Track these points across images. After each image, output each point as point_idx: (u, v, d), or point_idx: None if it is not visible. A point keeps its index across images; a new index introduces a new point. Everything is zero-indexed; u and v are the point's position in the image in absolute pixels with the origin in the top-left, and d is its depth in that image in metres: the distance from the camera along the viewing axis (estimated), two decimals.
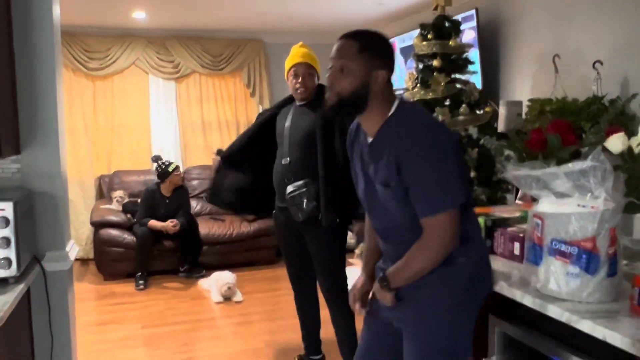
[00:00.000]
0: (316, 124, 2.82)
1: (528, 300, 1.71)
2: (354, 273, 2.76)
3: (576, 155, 1.70)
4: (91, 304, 4.52)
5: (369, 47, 1.65)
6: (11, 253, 1.93)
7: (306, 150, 2.83)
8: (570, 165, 1.57)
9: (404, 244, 1.70)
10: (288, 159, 2.89)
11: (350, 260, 5.35)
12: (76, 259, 2.46)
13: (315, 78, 2.94)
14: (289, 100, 3.05)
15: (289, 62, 2.95)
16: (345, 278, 2.98)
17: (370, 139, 1.72)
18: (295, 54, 2.95)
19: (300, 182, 2.79)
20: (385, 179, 1.65)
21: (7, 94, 2.11)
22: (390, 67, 1.69)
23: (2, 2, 2.07)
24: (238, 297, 4.52)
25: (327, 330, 3.07)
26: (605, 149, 1.68)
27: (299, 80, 2.89)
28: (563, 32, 3.23)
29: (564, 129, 1.84)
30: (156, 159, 5.22)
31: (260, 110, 6.25)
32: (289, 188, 2.81)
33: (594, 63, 2.73)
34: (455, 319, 1.72)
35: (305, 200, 2.75)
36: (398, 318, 1.80)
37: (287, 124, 2.96)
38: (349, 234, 3.05)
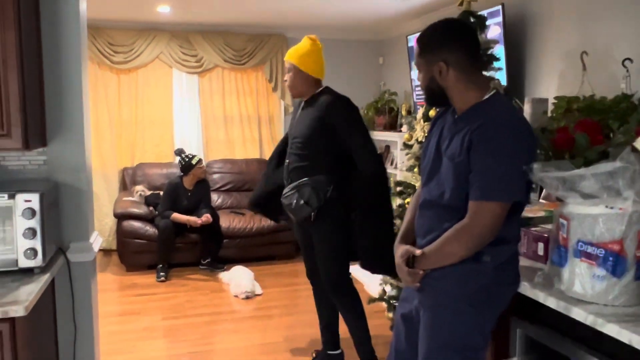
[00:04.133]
0: (312, 124, 2.82)
1: (552, 302, 1.68)
2: (367, 272, 2.78)
3: (604, 156, 1.67)
4: (113, 294, 4.59)
5: (424, 46, 1.78)
6: (37, 244, 1.96)
7: (302, 151, 2.84)
8: (598, 166, 1.54)
9: (436, 220, 1.74)
10: (287, 160, 2.94)
11: None
12: (99, 250, 2.50)
13: (297, 74, 2.91)
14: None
15: None
16: (347, 276, 2.98)
17: (457, 116, 1.78)
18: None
19: (293, 184, 2.82)
20: (454, 153, 1.69)
21: (35, 88, 2.14)
22: (449, 54, 1.71)
23: None
24: (257, 290, 4.54)
25: (346, 326, 3.07)
26: (634, 149, 1.64)
27: (285, 79, 2.98)
28: (591, 28, 3.16)
29: (592, 129, 1.80)
30: (179, 152, 5.25)
31: (282, 105, 6.29)
32: (285, 190, 2.87)
33: (624, 60, 2.67)
34: (471, 317, 1.70)
35: (294, 202, 2.78)
36: (420, 303, 1.81)
37: (293, 123, 3.00)
38: None
